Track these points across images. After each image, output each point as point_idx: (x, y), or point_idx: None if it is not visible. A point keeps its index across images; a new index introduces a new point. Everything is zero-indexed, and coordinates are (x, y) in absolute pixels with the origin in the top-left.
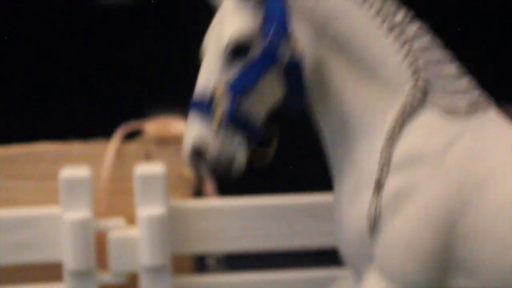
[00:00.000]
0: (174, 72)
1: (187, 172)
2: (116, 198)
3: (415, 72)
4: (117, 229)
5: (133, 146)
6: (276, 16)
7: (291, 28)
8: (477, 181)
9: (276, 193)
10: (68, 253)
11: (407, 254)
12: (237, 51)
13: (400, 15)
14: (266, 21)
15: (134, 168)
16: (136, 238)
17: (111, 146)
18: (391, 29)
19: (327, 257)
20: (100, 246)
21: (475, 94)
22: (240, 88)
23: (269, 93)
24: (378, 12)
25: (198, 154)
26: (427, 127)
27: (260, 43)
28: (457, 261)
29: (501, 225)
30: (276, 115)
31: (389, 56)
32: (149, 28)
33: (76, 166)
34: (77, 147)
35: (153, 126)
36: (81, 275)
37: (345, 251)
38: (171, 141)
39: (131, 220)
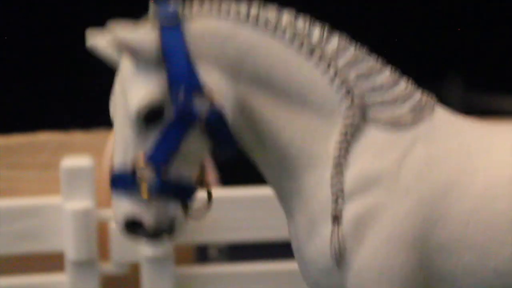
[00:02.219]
0: None
1: None
2: None
3: (348, 91)
4: None
5: None
6: (181, 74)
7: (201, 80)
8: (438, 190)
9: None
10: (69, 243)
11: (381, 281)
12: (149, 117)
13: (316, 34)
14: (172, 81)
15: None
16: None
17: (113, 136)
18: (311, 52)
19: None
20: (101, 236)
21: (416, 98)
22: (162, 157)
23: (195, 151)
24: (293, 37)
25: (134, 224)
26: (374, 146)
27: (171, 105)
28: (436, 276)
29: (473, 230)
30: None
31: (315, 80)
32: None
33: (77, 156)
34: (78, 136)
35: None
36: (82, 265)
37: (311, 283)
38: None
39: None
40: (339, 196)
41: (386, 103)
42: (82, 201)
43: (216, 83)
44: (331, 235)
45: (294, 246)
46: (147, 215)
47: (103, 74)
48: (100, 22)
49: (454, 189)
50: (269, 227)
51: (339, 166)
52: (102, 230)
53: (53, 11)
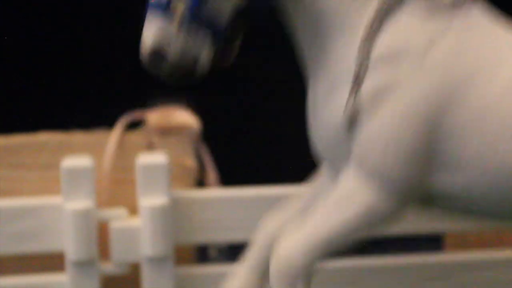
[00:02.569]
0: None
1: (190, 162)
2: (118, 188)
3: None
4: (119, 219)
5: (135, 136)
6: None
7: None
8: (461, 78)
9: (279, 183)
10: (69, 243)
11: (386, 152)
12: None
13: None
14: None
15: (136, 158)
16: (138, 228)
17: (113, 136)
18: None
19: None
20: (102, 236)
21: None
22: None
23: None
24: None
25: (159, 54)
26: (407, 25)
27: None
28: (441, 158)
29: (489, 121)
30: (242, 15)
31: None
32: None
33: (78, 156)
34: (79, 137)
35: (155, 116)
36: (83, 265)
37: (321, 148)
38: (174, 131)
39: (133, 210)
40: (364, 60)
41: None
42: (82, 201)
43: None
44: (348, 98)
45: (309, 113)
46: (174, 44)
47: (103, 74)
48: (99, 22)
49: (476, 79)
50: None
51: (370, 36)
52: (102, 230)
53: (54, 11)
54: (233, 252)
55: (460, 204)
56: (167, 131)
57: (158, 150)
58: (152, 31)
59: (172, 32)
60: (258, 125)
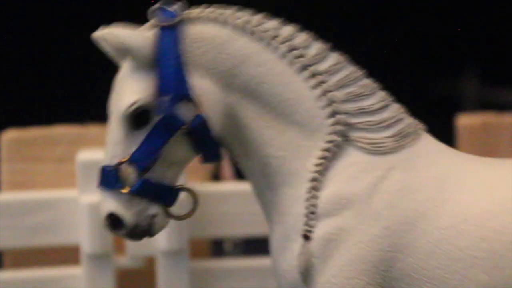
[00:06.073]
0: None
1: None
2: None
3: (333, 113)
4: None
5: None
6: (171, 79)
7: (190, 88)
8: (407, 221)
9: None
10: (85, 236)
11: None
12: (136, 119)
13: (313, 50)
14: (161, 85)
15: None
16: None
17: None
18: (303, 68)
19: None
20: None
21: (403, 124)
22: (144, 158)
23: (178, 156)
24: (288, 51)
25: (115, 220)
26: (352, 168)
27: (158, 109)
28: None
29: (435, 267)
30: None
31: (303, 98)
32: None
33: (93, 149)
34: (94, 130)
35: None
36: (98, 258)
37: None
38: None
39: None
40: (311, 213)
41: (370, 127)
42: (97, 194)
43: (206, 90)
44: (300, 252)
45: (271, 260)
46: (128, 213)
47: (119, 67)
48: (115, 16)
49: (422, 220)
50: None
51: (315, 184)
52: None
53: (72, 7)
54: (248, 246)
55: None
56: None
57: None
58: (106, 204)
59: (125, 201)
60: None
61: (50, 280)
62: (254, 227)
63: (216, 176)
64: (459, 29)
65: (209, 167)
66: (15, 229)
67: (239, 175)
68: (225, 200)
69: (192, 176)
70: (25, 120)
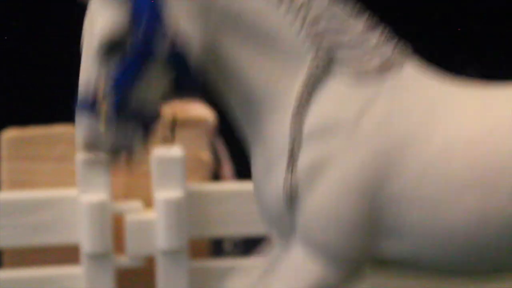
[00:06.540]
0: None
1: (205, 155)
2: (133, 180)
3: (315, 40)
4: (134, 212)
5: None
6: (146, 8)
7: (166, 17)
8: (397, 144)
9: None
10: (85, 236)
11: (328, 228)
12: (111, 49)
13: None
14: (136, 15)
15: (151, 151)
16: (153, 221)
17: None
18: (280, 1)
19: None
20: (117, 229)
21: (387, 50)
22: (121, 83)
23: (156, 82)
24: None
25: (93, 150)
26: (336, 95)
27: (133, 38)
28: (386, 225)
29: (427, 187)
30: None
31: (283, 27)
32: None
33: None
34: None
35: (170, 109)
36: (98, 257)
37: (266, 220)
38: (189, 124)
39: (148, 203)
40: (296, 139)
41: (354, 54)
42: (97, 194)
43: (183, 19)
44: (285, 179)
45: (253, 186)
46: (103, 143)
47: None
48: None
49: (411, 143)
50: None
51: (299, 111)
52: (117, 223)
53: (69, 5)
54: (247, 245)
55: (411, 268)
56: (183, 124)
57: (173, 143)
58: (83, 132)
59: (100, 130)
60: None
61: (50, 280)
62: (253, 227)
63: (216, 176)
64: (459, 29)
65: (209, 167)
66: (15, 228)
67: (239, 174)
68: (225, 200)
69: (192, 176)
70: (25, 119)
